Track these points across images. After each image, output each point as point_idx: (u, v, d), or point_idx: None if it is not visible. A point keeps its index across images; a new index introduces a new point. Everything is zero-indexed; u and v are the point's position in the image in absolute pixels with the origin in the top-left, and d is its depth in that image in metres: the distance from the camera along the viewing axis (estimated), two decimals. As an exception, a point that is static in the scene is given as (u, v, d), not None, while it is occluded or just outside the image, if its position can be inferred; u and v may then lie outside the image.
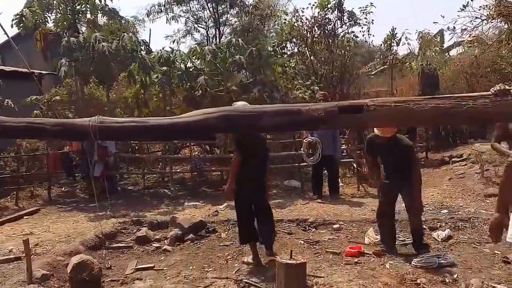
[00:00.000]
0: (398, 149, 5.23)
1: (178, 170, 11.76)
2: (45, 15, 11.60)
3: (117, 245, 6.35)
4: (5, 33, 16.26)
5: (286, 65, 13.95)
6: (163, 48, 11.13)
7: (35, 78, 14.23)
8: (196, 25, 19.69)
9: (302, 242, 5.93)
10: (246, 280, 4.53)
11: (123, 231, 7.01)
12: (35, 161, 11.48)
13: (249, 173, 5.14)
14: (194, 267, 5.18)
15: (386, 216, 5.44)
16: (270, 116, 3.07)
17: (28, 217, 8.64)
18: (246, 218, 5.27)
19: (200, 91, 10.41)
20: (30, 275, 4.60)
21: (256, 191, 5.30)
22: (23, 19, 10.97)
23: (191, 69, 11.02)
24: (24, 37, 17.47)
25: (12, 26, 11.35)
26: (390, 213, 5.46)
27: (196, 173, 10.72)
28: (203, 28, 19.89)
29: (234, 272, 4.84)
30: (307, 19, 15.16)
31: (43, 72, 15.25)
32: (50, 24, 12.09)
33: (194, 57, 11.14)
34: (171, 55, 10.64)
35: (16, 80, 13.07)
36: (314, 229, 6.60)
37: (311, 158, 8.50)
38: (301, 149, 8.88)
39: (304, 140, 8.60)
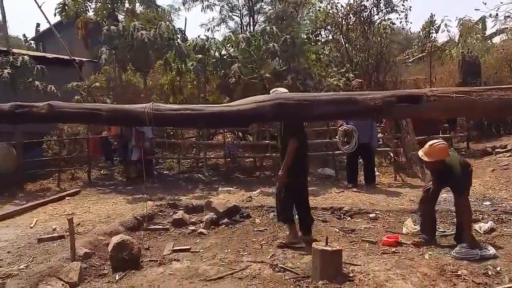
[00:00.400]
0: (447, 175, 4.95)
1: (212, 156, 11.88)
2: (86, 4, 11.89)
3: (155, 227, 6.50)
4: (48, 21, 16.81)
5: (320, 52, 13.81)
6: (198, 36, 11.24)
7: (75, 65, 14.68)
8: (230, 14, 19.68)
9: (337, 230, 5.90)
10: (281, 265, 4.55)
11: (159, 213, 7.18)
12: (76, 145, 11.87)
13: (302, 160, 5.35)
14: (229, 250, 5.25)
15: (429, 204, 5.31)
16: (324, 105, 3.03)
17: (69, 198, 8.96)
18: (292, 201, 5.44)
19: (234, 79, 10.44)
20: (73, 253, 4.78)
21: (306, 179, 5.59)
22: (65, 8, 11.28)
23: (225, 57, 11.06)
24: (65, 26, 17.94)
25: (55, 15, 11.68)
26: (434, 202, 5.34)
27: (229, 159, 10.81)
28: (237, 16, 19.90)
29: (269, 257, 4.87)
30: (342, 6, 14.97)
31: (83, 59, 15.66)
32: (91, 13, 12.37)
33: (228, 45, 11.16)
34: (206, 43, 10.73)
35: (58, 67, 13.43)
36: (349, 217, 6.56)
37: (347, 147, 8.38)
38: (336, 137, 8.78)
39: (340, 128, 8.49)
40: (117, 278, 4.58)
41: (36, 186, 10.31)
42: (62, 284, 4.19)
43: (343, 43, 15.24)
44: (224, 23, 19.91)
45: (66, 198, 8.96)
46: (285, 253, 5.03)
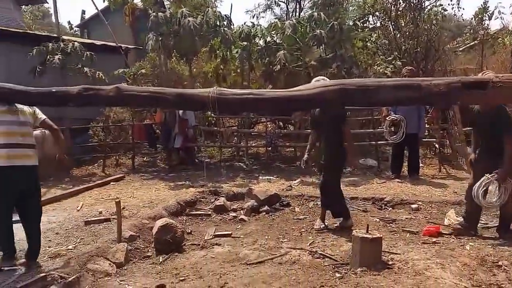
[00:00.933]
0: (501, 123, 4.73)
1: (253, 145, 11.95)
2: (134, -10, 12.10)
3: (197, 212, 6.65)
4: (96, 7, 17.28)
5: (367, 39, 13.50)
6: (244, 23, 11.19)
7: (122, 52, 15.00)
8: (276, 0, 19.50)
9: (378, 220, 5.84)
10: (321, 252, 4.56)
11: (201, 200, 7.33)
12: (121, 131, 12.17)
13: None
14: (269, 236, 5.30)
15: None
16: (388, 91, 3.01)
17: (114, 183, 9.26)
18: None
19: (279, 66, 10.37)
20: (120, 234, 4.97)
21: None
22: (114, -6, 11.53)
23: (270, 44, 10.98)
24: (111, 13, 18.33)
25: (103, 1, 11.96)
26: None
27: (270, 148, 10.83)
28: (283, 2, 19.68)
29: (308, 244, 4.89)
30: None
31: (129, 46, 15.94)
32: (137, 0, 12.60)
33: (274, 32, 11.08)
34: (252, 30, 10.68)
35: (105, 54, 13.69)
36: (390, 208, 6.48)
37: (394, 137, 8.17)
38: (383, 126, 8.60)
39: (387, 118, 8.32)
40: (160, 260, 4.73)
41: (82, 171, 10.70)
42: (109, 264, 4.37)
43: (391, 29, 14.80)
44: (270, 9, 19.78)
45: (111, 183, 9.25)
46: (325, 240, 5.03)
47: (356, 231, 4.33)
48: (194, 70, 13.49)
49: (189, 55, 12.24)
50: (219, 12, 10.99)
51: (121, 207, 6.52)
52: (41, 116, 4.49)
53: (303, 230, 5.52)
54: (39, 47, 10.11)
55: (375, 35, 14.54)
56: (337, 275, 3.98)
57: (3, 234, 4.27)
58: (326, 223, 5.62)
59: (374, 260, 4.12)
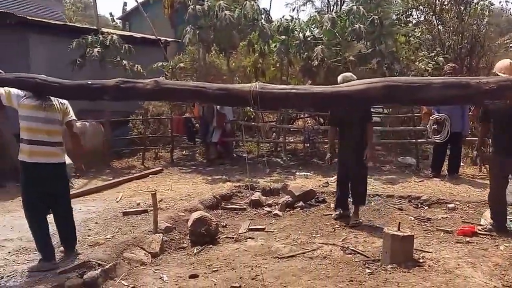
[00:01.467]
0: None
1: (291, 141, 11.95)
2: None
3: (232, 206, 6.76)
4: (136, 0, 17.50)
5: (410, 34, 13.17)
6: (283, 17, 11.10)
7: (161, 45, 15.12)
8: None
9: (413, 218, 5.78)
10: (352, 248, 4.57)
11: (238, 194, 7.44)
12: (160, 125, 12.37)
13: None
14: (302, 232, 5.34)
15: (499, 191, 5.06)
16: (436, 89, 2.93)
17: (152, 176, 9.46)
18: None
19: (317, 61, 10.30)
20: (156, 225, 5.14)
21: None
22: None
23: (309, 39, 10.87)
24: (151, 5, 18.52)
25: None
26: (503, 188, 5.08)
27: (308, 144, 10.79)
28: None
29: (341, 240, 4.91)
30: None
31: (169, 39, 15.93)
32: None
33: (313, 26, 10.98)
34: (290, 23, 10.60)
35: (144, 46, 13.70)
36: (426, 207, 6.38)
37: (438, 136, 8.03)
38: (425, 125, 8.46)
39: (431, 117, 8.18)
40: (195, 251, 4.87)
41: (121, 164, 10.91)
42: (145, 253, 4.54)
43: (436, 24, 14.42)
44: (310, 2, 19.52)
45: (150, 175, 9.43)
46: (357, 237, 5.03)
47: (387, 228, 4.31)
48: (233, 64, 13.54)
49: (227, 49, 12.24)
50: (257, 5, 10.95)
51: (159, 200, 6.76)
52: (71, 115, 4.38)
53: (336, 226, 5.54)
54: (78, 40, 10.23)
55: (418, 30, 14.21)
56: (367, 271, 4.00)
57: (39, 239, 4.21)
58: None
59: (405, 257, 4.11)
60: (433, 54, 12.22)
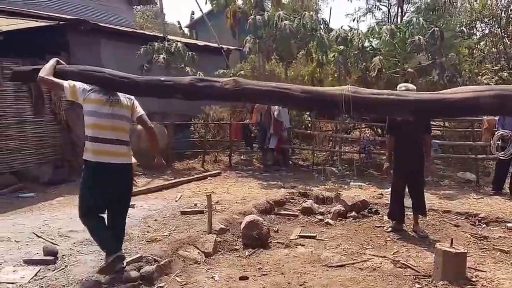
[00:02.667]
0: None
1: (347, 150, 11.89)
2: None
3: (285, 212, 6.86)
4: (200, 9, 18.18)
5: (473, 47, 12.79)
6: (341, 27, 11.14)
7: (223, 53, 15.58)
8: (378, 3, 19.05)
9: (469, 236, 5.62)
10: (403, 262, 4.54)
11: (291, 200, 7.53)
12: (220, 130, 12.72)
13: None
14: (353, 242, 5.35)
15: None
16: None
17: (211, 178, 9.77)
18: None
19: (374, 72, 10.22)
20: (210, 226, 5.34)
21: None
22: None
23: (367, 49, 10.85)
24: (215, 14, 19.04)
25: (206, 3, 12.47)
26: None
27: (364, 154, 10.69)
28: (385, 6, 19.20)
29: (392, 253, 4.88)
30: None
31: (231, 47, 16.45)
32: (240, 2, 12.98)
33: (372, 37, 10.93)
34: (349, 34, 10.62)
35: (207, 54, 14.20)
36: (484, 225, 6.17)
37: (502, 153, 7.78)
38: (491, 141, 8.18)
39: (496, 133, 7.94)
40: (246, 254, 5.02)
41: (183, 165, 11.30)
42: (198, 252, 4.73)
43: (501, 37, 13.87)
44: (371, 13, 19.38)
45: (208, 178, 9.77)
46: (409, 251, 4.99)
47: (440, 244, 4.26)
48: (292, 73, 13.68)
49: (286, 58, 12.40)
50: (317, 16, 11.02)
51: (215, 202, 7.00)
52: (139, 110, 4.04)
53: (388, 239, 5.50)
54: (146, 46, 10.76)
55: (482, 43, 13.74)
56: (417, 286, 3.97)
57: (100, 238, 3.99)
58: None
59: (457, 275, 4.04)
60: (497, 68, 11.77)
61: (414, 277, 4.19)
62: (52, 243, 4.79)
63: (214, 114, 12.74)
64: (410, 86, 5.52)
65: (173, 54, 10.76)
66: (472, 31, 14.17)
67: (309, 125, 12.65)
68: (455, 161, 10.26)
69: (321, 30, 10.98)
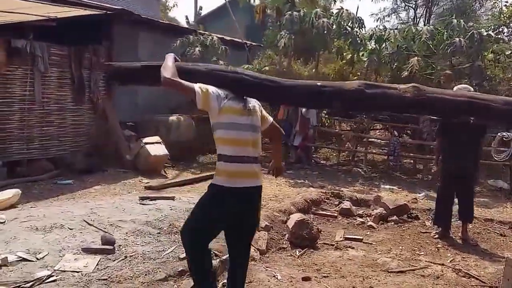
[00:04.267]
0: None
1: (373, 151, 11.79)
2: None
3: (323, 212, 6.78)
4: (227, 5, 18.01)
5: (500, 52, 12.58)
6: (376, 26, 11.09)
7: (246, 48, 15.47)
8: (404, 3, 18.84)
9: (521, 246, 5.56)
10: (465, 271, 4.46)
11: (326, 200, 7.44)
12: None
13: None
14: (403, 247, 5.27)
15: None
16: None
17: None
18: None
19: (408, 72, 10.07)
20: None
21: None
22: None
23: (402, 49, 10.73)
24: (226, 10, 18.88)
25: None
26: None
27: (392, 157, 10.57)
28: (412, 7, 19.01)
29: (449, 261, 4.80)
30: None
31: (253, 43, 16.31)
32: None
33: (408, 37, 10.80)
34: (384, 33, 10.52)
35: (230, 49, 14.12)
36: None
37: (501, 155, 7.83)
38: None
39: (498, 134, 8.01)
40: (297, 253, 4.95)
41: (207, 159, 11.24)
42: (254, 250, 4.63)
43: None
44: (396, 14, 19.24)
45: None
46: (466, 260, 4.90)
47: (509, 255, 4.17)
48: (313, 71, 13.53)
49: (315, 55, 12.30)
50: (353, 13, 11.00)
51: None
52: (268, 116, 3.30)
53: (439, 245, 5.42)
54: (182, 39, 10.79)
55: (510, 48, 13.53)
56: (488, 297, 3.89)
57: (197, 272, 3.16)
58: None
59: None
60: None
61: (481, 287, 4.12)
62: (105, 231, 4.71)
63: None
64: (467, 87, 5.44)
65: (208, 48, 10.73)
66: (499, 36, 13.94)
67: (326, 124, 12.53)
68: (483, 167, 10.16)
69: (356, 28, 10.85)
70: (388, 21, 19.83)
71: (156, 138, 9.00)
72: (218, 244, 4.50)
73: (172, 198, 6.47)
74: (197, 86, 2.88)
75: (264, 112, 3.21)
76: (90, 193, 6.83)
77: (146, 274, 3.69)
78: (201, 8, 30.40)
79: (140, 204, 6.12)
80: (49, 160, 7.96)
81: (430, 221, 6.44)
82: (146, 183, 7.84)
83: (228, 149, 2.96)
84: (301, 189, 8.17)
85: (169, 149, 9.00)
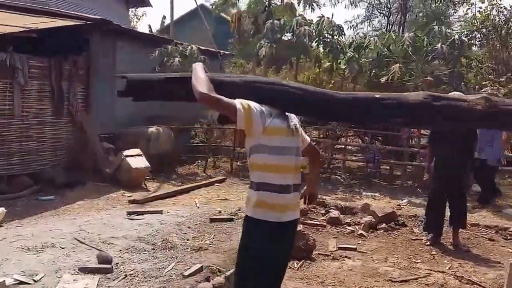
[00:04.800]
0: None
1: (353, 159, 11.87)
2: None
3: (311, 222, 6.73)
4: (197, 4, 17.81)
5: (472, 58, 12.95)
6: (357, 34, 11.24)
7: (220, 57, 15.40)
8: (378, 11, 19.13)
9: (511, 250, 5.66)
10: (467, 278, 4.51)
11: (312, 209, 7.39)
12: (221, 135, 12.51)
13: None
14: (399, 255, 5.26)
15: None
16: None
17: (218, 184, 9.54)
18: None
19: (385, 79, 10.18)
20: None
21: None
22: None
23: (381, 56, 10.85)
24: (189, 19, 18.73)
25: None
26: None
27: (372, 164, 10.66)
28: (385, 14, 19.32)
29: (447, 268, 4.84)
30: (505, 8, 13.92)
31: (226, 52, 16.28)
32: (241, 6, 12.93)
33: (387, 44, 10.93)
34: (364, 40, 10.65)
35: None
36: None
37: None
38: None
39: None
40: (295, 265, 4.87)
41: (185, 170, 11.02)
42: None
43: (500, 49, 14.15)
44: (369, 21, 19.53)
45: (215, 184, 9.55)
46: (463, 266, 4.94)
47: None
48: (286, 79, 13.57)
49: (288, 64, 12.31)
50: (334, 21, 11.08)
51: (238, 208, 6.80)
52: (305, 134, 2.87)
53: (433, 252, 5.45)
54: (161, 49, 10.62)
55: (482, 54, 13.97)
56: (494, 304, 3.93)
57: None
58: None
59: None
60: (502, 79, 11.97)
61: (484, 294, 4.16)
62: (98, 249, 4.53)
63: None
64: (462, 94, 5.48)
65: (186, 58, 10.58)
66: (471, 41, 14.35)
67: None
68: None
69: (337, 36, 10.94)
70: (361, 28, 20.13)
71: (137, 151, 8.81)
72: (219, 259, 4.42)
73: (160, 212, 6.32)
74: (237, 103, 2.41)
75: (301, 130, 2.76)
76: (74, 208, 6.59)
77: (153, 293, 3.54)
78: (164, 17, 30.12)
79: (129, 219, 5.97)
80: (29, 176, 7.66)
81: (418, 228, 6.50)
82: (129, 196, 7.66)
83: (272, 177, 2.48)
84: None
85: (149, 161, 8.81)
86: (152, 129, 10.03)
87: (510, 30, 13.83)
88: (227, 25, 20.88)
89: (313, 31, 10.51)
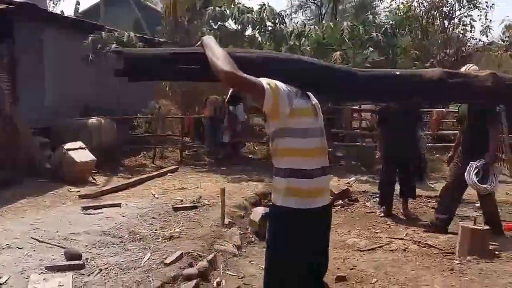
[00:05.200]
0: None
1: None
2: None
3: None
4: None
5: (399, 45, 13.67)
6: (297, 23, 11.37)
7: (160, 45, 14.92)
8: (310, 1, 19.55)
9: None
10: (426, 242, 4.82)
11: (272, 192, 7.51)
12: (167, 124, 12.27)
13: None
14: (360, 228, 5.56)
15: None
16: None
17: (171, 174, 9.34)
18: None
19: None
20: (223, 220, 5.20)
21: None
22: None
23: (322, 44, 11.10)
24: (111, 5, 17.99)
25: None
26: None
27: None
28: (317, 4, 19.80)
29: (405, 235, 5.17)
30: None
31: (161, 39, 15.83)
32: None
33: (326, 33, 11.18)
34: (305, 29, 10.84)
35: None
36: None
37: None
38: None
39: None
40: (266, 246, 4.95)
41: (132, 162, 10.70)
42: (233, 246, 4.59)
43: (421, 37, 15.06)
44: (302, 10, 19.92)
45: (168, 174, 9.38)
46: (417, 232, 5.30)
47: (463, 224, 4.62)
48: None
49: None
50: (276, 9, 11.13)
51: (198, 196, 6.77)
52: None
53: (389, 222, 5.81)
54: (94, 35, 10.02)
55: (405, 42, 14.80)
56: (456, 262, 4.24)
57: None
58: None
59: (482, 250, 4.38)
60: (427, 65, 12.73)
61: (443, 254, 4.48)
62: (62, 247, 4.33)
63: (162, 108, 12.23)
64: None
65: (125, 44, 10.09)
66: (396, 30, 15.11)
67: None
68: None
69: (278, 24, 11.04)
70: (295, 17, 20.49)
71: (79, 144, 8.41)
72: (197, 245, 4.39)
73: (119, 205, 6.15)
74: (264, 82, 2.17)
75: None
76: (17, 208, 6.12)
77: (138, 284, 3.47)
78: (78, 3, 28.60)
79: (85, 214, 5.76)
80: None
81: (369, 202, 6.92)
82: (77, 192, 7.31)
83: (301, 162, 2.27)
84: (242, 184, 8.13)
85: (93, 154, 8.44)
86: (93, 120, 9.60)
87: (430, 20, 14.73)
88: (152, 12, 20.42)
89: (256, 18, 10.51)
